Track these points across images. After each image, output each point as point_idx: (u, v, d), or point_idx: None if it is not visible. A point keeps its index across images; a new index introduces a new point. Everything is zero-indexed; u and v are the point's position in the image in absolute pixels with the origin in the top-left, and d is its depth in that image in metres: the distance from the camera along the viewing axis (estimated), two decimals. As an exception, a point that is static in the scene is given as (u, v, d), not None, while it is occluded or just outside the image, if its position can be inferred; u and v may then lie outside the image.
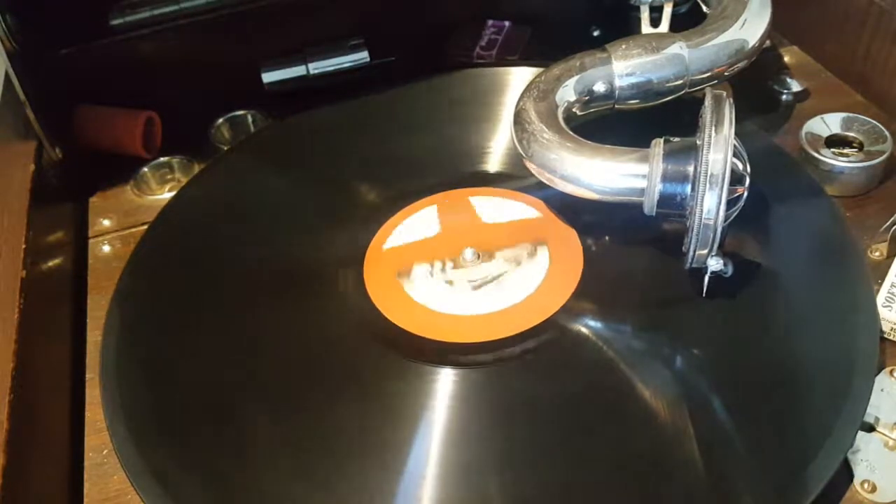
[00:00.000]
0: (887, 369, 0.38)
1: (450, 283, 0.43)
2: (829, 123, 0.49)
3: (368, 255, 0.45)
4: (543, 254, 0.44)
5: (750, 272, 0.41)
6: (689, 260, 0.39)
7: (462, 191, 0.48)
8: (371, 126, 0.54)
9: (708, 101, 0.38)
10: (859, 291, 0.40)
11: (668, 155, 0.39)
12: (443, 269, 0.44)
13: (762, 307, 0.40)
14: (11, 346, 0.38)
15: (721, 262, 0.38)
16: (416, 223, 0.47)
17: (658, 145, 0.39)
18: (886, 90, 0.52)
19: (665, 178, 0.39)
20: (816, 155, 0.47)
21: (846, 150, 0.48)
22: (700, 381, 0.38)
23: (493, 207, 0.47)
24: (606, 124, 0.47)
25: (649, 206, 0.40)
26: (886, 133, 0.48)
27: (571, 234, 0.45)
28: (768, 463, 0.34)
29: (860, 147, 0.48)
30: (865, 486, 0.34)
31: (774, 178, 0.46)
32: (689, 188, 0.38)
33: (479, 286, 0.43)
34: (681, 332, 0.40)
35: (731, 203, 0.37)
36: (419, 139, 0.53)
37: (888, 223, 0.44)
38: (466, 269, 0.44)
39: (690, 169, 0.38)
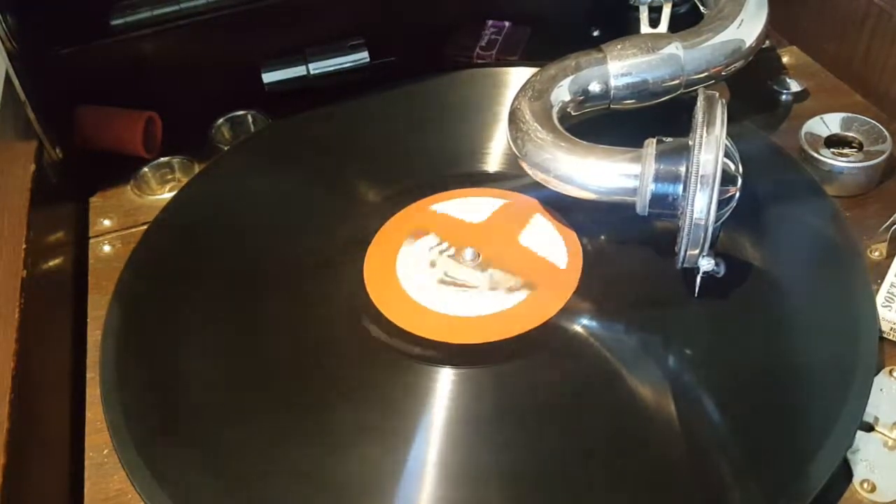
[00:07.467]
0: (886, 369, 0.38)
1: (432, 264, 0.43)
2: (829, 123, 0.49)
3: (407, 210, 0.47)
4: (519, 296, 0.42)
5: (750, 272, 0.41)
6: (681, 260, 0.39)
7: (533, 202, 0.47)
8: (371, 126, 0.55)
9: (700, 102, 0.38)
10: (858, 291, 0.40)
11: (661, 155, 0.39)
12: (441, 252, 0.44)
13: (762, 307, 0.40)
14: (12, 346, 0.38)
15: (713, 262, 0.38)
16: (477, 205, 0.47)
17: (650, 145, 0.40)
18: (886, 90, 0.52)
19: (657, 178, 0.39)
20: (816, 155, 0.47)
21: (846, 150, 0.48)
22: (698, 381, 0.38)
23: (540, 233, 0.45)
24: (602, 124, 0.47)
25: (641, 205, 0.40)
26: (886, 133, 0.48)
27: (570, 281, 0.43)
28: (767, 462, 0.34)
29: (860, 147, 0.48)
30: (865, 485, 0.34)
31: (774, 177, 0.46)
32: (680, 188, 0.38)
33: (444, 283, 0.43)
34: (680, 333, 0.40)
35: (722, 203, 0.37)
36: (419, 139, 0.53)
37: (888, 223, 0.44)
38: (455, 263, 0.44)
39: (682, 169, 0.38)
